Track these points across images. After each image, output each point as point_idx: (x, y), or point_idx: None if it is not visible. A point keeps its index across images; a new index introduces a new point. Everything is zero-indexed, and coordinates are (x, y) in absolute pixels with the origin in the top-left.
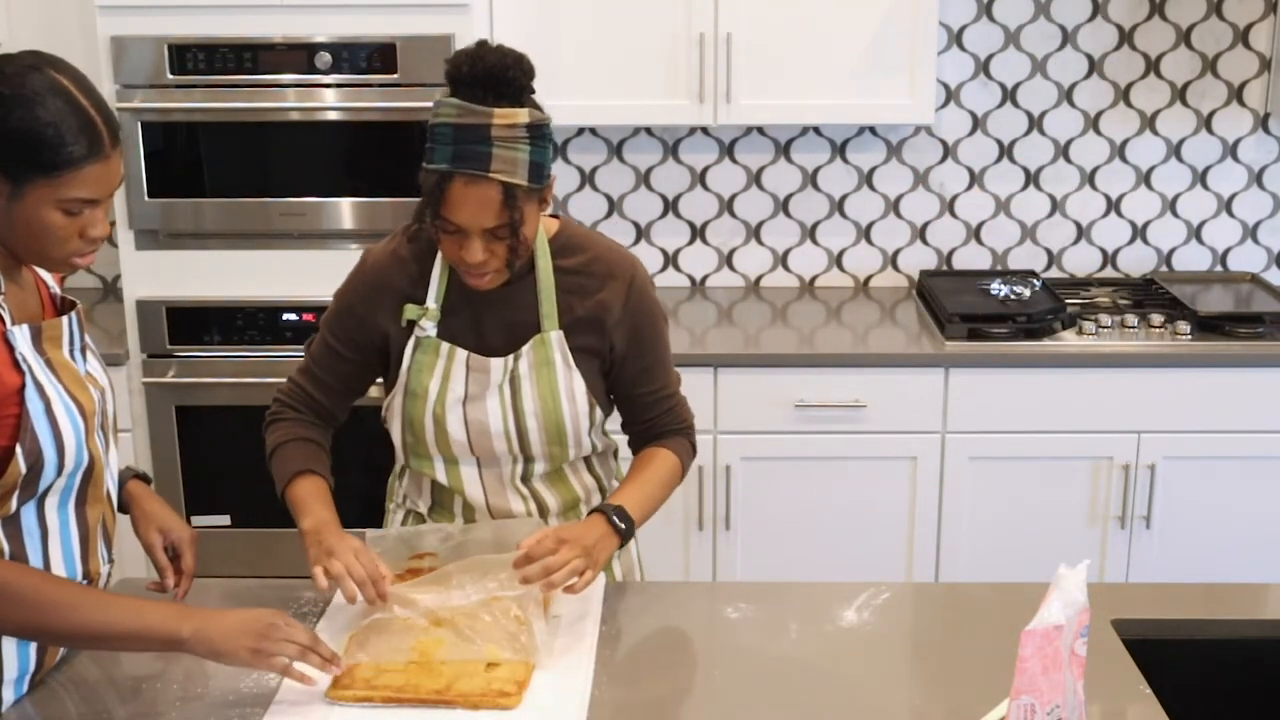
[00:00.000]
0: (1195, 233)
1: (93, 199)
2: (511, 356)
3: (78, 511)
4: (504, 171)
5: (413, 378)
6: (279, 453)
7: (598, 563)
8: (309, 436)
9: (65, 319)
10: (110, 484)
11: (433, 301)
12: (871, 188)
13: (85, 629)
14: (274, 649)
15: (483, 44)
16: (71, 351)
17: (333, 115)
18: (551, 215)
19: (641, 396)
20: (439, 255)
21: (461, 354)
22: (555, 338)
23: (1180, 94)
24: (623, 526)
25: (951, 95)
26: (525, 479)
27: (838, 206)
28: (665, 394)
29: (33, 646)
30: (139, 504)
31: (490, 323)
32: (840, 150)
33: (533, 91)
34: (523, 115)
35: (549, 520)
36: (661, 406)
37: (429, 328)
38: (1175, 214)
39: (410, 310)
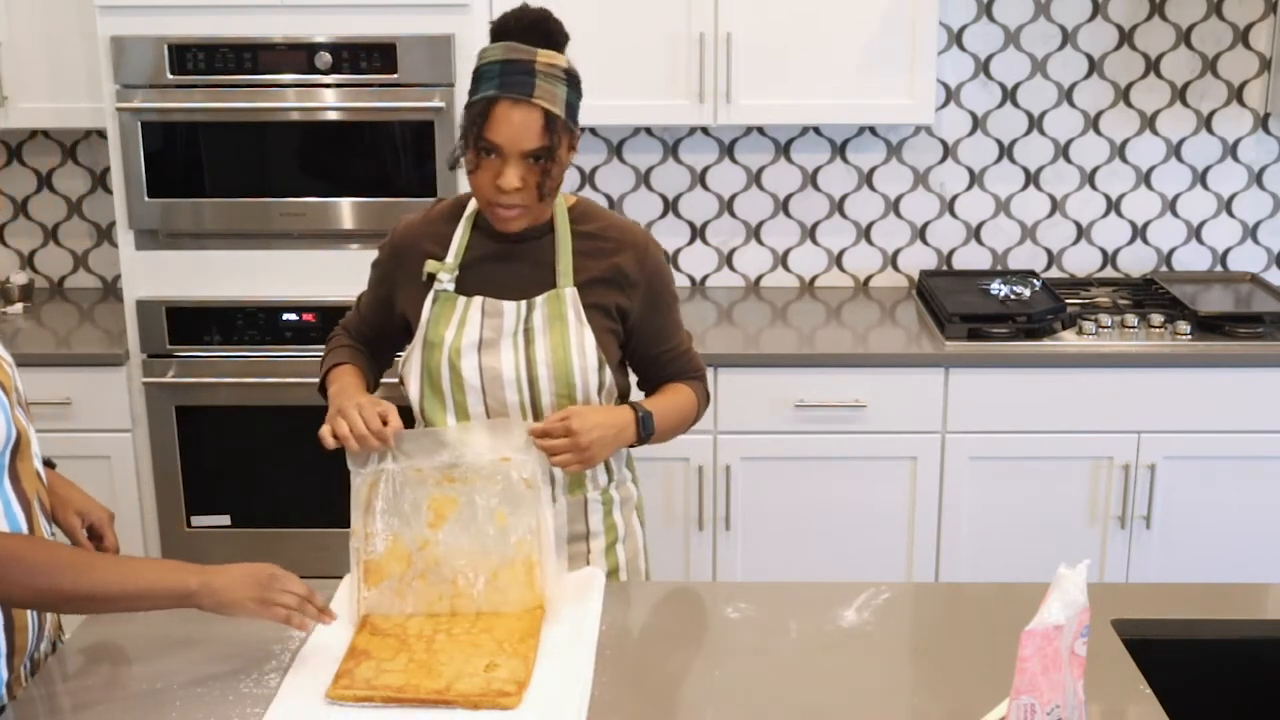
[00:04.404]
0: (1195, 233)
1: None
2: (525, 303)
3: (15, 488)
4: (546, 99)
5: (430, 329)
6: (327, 358)
7: (592, 459)
8: (357, 346)
9: None
10: (36, 459)
11: (452, 258)
12: (871, 188)
13: (98, 589)
14: (276, 598)
15: (525, 5)
16: None
17: (333, 115)
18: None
19: (659, 356)
20: (463, 217)
21: (477, 300)
22: (570, 294)
23: (1180, 94)
24: (643, 433)
25: (951, 95)
26: None
27: (838, 206)
28: (681, 350)
29: (0, 629)
30: (52, 490)
31: (508, 279)
32: (840, 150)
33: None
34: (562, 60)
35: (554, 494)
36: (678, 363)
37: (446, 281)
38: (1175, 214)
39: (430, 265)
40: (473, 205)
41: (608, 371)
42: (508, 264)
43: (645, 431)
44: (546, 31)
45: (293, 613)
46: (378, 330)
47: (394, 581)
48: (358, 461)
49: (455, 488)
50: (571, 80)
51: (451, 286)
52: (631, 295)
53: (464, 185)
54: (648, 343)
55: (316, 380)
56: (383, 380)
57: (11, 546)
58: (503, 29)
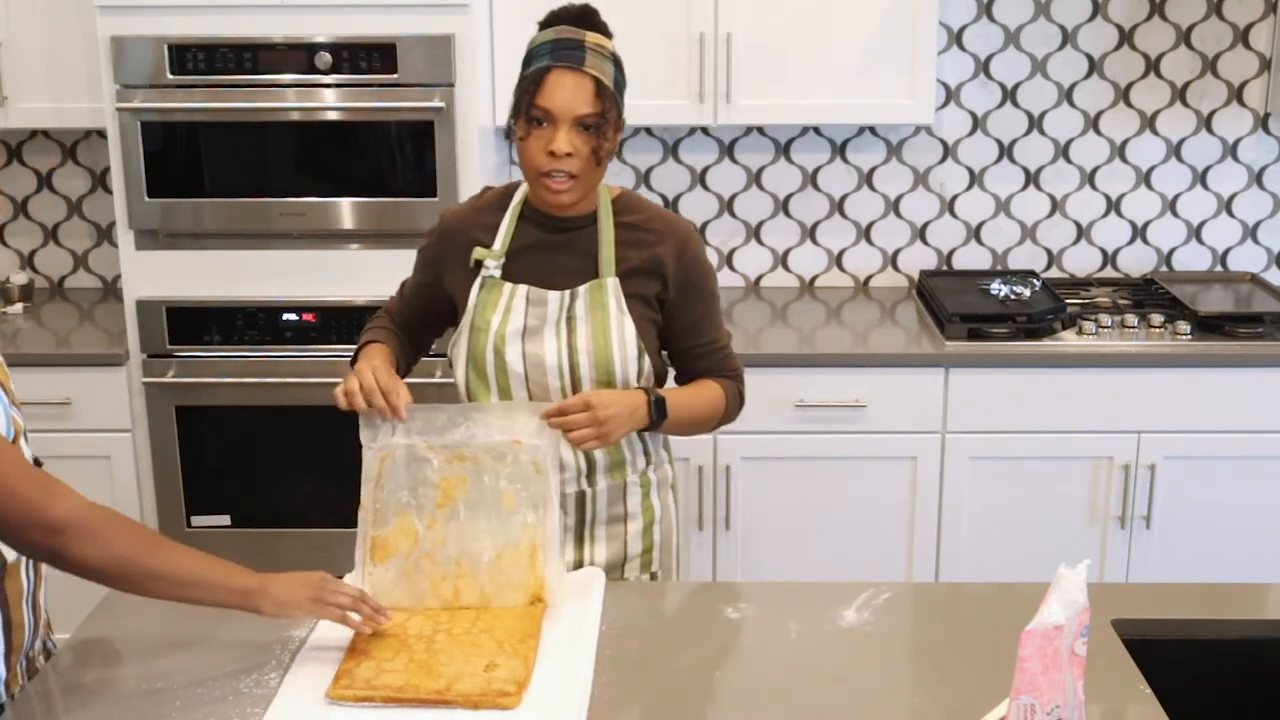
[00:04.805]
0: (1195, 233)
1: None
2: (568, 293)
3: None
4: (596, 69)
5: (477, 314)
6: (362, 337)
7: (609, 436)
8: (393, 330)
9: None
10: (27, 456)
11: (499, 245)
12: (871, 188)
13: (171, 570)
14: (331, 599)
15: (570, 3)
16: None
17: (333, 115)
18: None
19: (693, 349)
20: (510, 206)
21: (522, 288)
22: (611, 284)
23: (1180, 94)
24: (655, 416)
25: (951, 95)
26: None
27: (838, 206)
28: (716, 346)
29: None
30: None
31: (552, 268)
32: (840, 150)
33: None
34: (609, 43)
35: (596, 478)
36: (713, 358)
37: (493, 267)
38: (1175, 214)
39: (478, 252)
40: (519, 194)
41: (647, 360)
42: (552, 253)
43: (657, 414)
44: (594, 23)
45: (348, 612)
46: (420, 314)
47: (400, 559)
48: (370, 435)
49: (465, 467)
50: (618, 63)
51: (498, 273)
52: (669, 284)
53: (464, 185)
54: (681, 334)
55: (319, 379)
56: (438, 378)
57: (98, 511)
58: (552, 19)
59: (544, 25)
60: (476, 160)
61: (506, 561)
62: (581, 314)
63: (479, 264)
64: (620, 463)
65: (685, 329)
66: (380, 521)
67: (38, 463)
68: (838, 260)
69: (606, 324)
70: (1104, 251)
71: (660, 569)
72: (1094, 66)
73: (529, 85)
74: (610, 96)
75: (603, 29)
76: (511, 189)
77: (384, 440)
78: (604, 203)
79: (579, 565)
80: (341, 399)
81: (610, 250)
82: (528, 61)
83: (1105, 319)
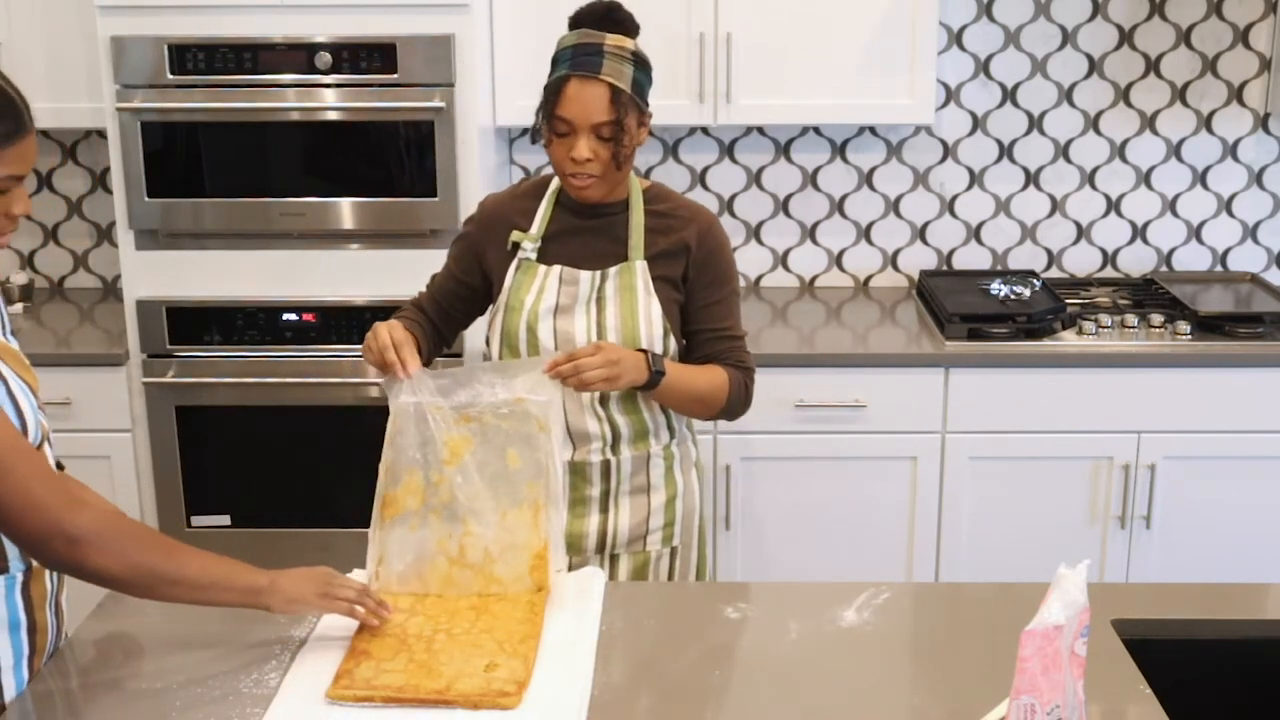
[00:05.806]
0: (1195, 233)
1: (18, 175)
2: (599, 273)
3: None
4: (613, 76)
5: (512, 294)
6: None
7: (619, 377)
8: (418, 320)
9: None
10: (49, 462)
11: (535, 229)
12: (871, 188)
13: (184, 573)
14: (338, 593)
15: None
16: (4, 333)
17: (333, 115)
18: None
19: (704, 333)
20: (546, 194)
21: (556, 268)
22: (640, 266)
23: (1180, 94)
24: (654, 369)
25: (951, 95)
26: (603, 401)
27: (838, 206)
28: (728, 334)
29: (24, 631)
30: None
31: (585, 252)
32: (840, 150)
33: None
34: (630, 43)
35: (620, 448)
36: (722, 345)
37: (529, 249)
38: (1175, 214)
39: (515, 235)
40: (555, 183)
41: (672, 340)
42: (586, 237)
43: (654, 369)
44: (616, 20)
45: (354, 605)
46: (449, 302)
47: (409, 515)
48: (388, 389)
49: (471, 427)
50: (639, 62)
51: (534, 256)
52: (690, 264)
53: (465, 185)
54: (695, 317)
55: (319, 379)
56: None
57: (115, 520)
58: (578, 20)
59: (571, 23)
60: (477, 160)
61: (511, 520)
62: (611, 294)
63: (516, 247)
64: (644, 433)
65: (699, 312)
66: (391, 479)
67: (59, 466)
68: (838, 260)
69: (634, 304)
70: (1104, 251)
71: (681, 544)
72: (1094, 66)
73: (550, 95)
74: (627, 102)
75: (626, 25)
76: (547, 179)
77: (395, 399)
78: (635, 191)
79: (602, 533)
80: (369, 358)
81: (640, 235)
82: (553, 66)
83: (1105, 319)
